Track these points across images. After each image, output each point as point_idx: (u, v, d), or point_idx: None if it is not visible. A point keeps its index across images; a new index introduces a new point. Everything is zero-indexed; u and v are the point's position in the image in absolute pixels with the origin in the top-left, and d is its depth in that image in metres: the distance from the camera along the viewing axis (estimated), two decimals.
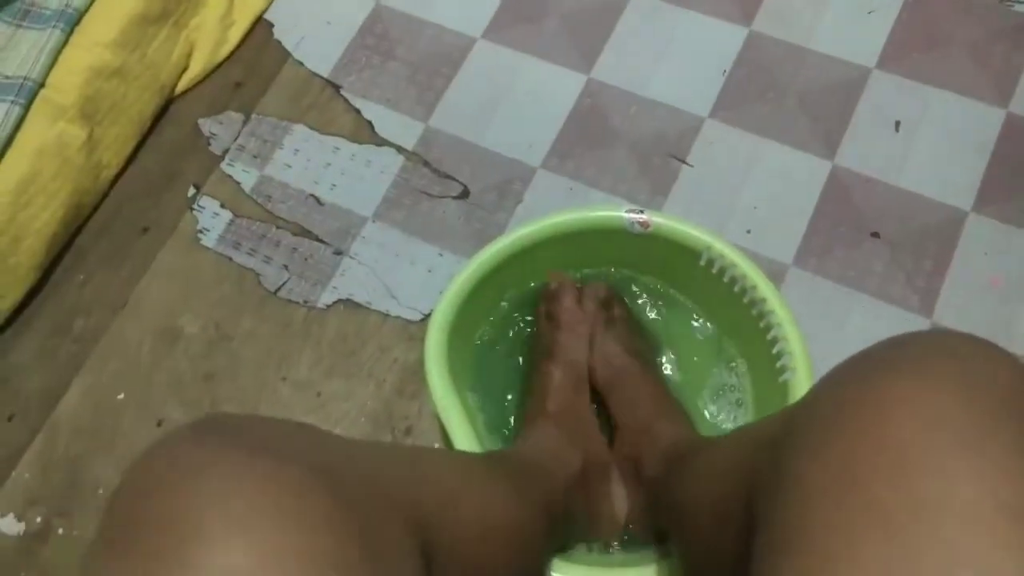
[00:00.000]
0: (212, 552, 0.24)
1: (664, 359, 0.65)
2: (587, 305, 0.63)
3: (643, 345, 0.63)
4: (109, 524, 0.26)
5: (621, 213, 0.60)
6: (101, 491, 0.69)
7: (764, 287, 0.57)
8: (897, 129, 0.75)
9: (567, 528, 0.53)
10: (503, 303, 0.66)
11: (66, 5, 0.73)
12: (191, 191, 0.79)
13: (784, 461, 0.27)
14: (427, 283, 0.73)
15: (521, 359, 0.66)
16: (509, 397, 0.65)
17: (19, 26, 0.74)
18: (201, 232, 0.77)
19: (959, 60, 0.76)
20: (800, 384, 0.54)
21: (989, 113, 0.74)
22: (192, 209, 0.78)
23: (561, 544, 0.54)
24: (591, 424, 0.58)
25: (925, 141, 0.74)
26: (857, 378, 0.27)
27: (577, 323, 0.62)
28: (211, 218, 0.78)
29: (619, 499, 0.56)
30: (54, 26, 0.72)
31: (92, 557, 0.26)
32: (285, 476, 0.26)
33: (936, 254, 0.70)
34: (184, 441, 0.28)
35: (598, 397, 0.61)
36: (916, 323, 0.67)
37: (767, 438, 0.31)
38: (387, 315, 0.73)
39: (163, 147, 0.81)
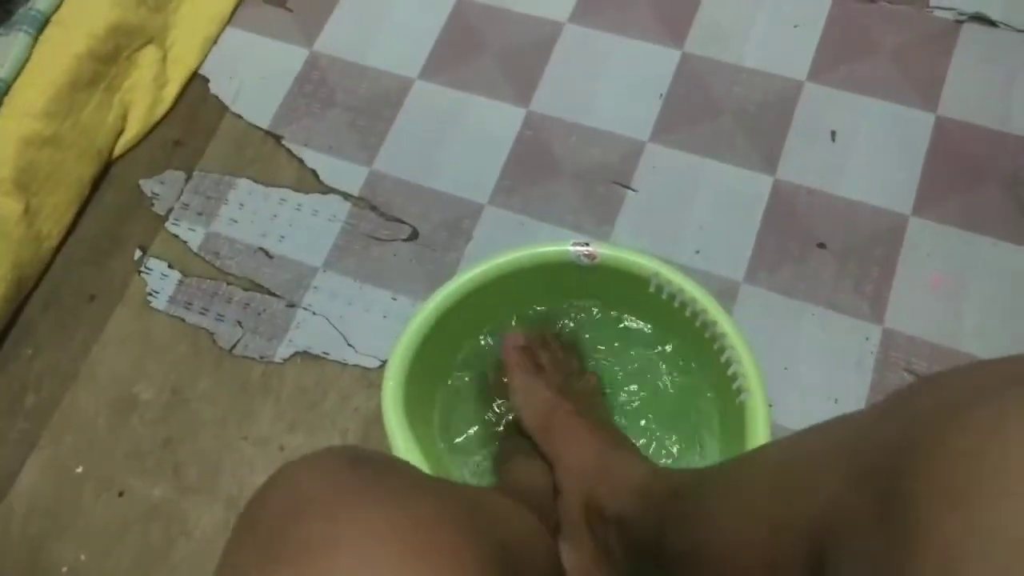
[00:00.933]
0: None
1: (621, 390, 0.65)
2: (507, 358, 0.61)
3: (579, 383, 0.62)
4: (257, 530, 0.27)
5: (567, 247, 0.60)
6: (65, 569, 0.67)
7: (713, 310, 0.58)
8: (833, 139, 0.77)
9: None
10: (464, 350, 0.66)
11: None
12: (137, 254, 0.78)
13: (911, 512, 0.22)
14: (383, 329, 0.73)
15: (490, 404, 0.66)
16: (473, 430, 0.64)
17: None
18: (151, 295, 0.76)
19: (886, 67, 0.78)
20: (756, 405, 0.54)
21: (920, 118, 0.76)
22: (140, 272, 0.77)
23: None
24: (538, 489, 0.55)
25: (861, 149, 0.76)
26: (986, 423, 0.22)
27: (514, 379, 0.60)
28: (160, 280, 0.77)
29: (569, 556, 0.53)
30: None
31: (239, 558, 0.27)
32: (440, 511, 0.27)
33: (881, 260, 0.71)
34: (337, 463, 0.29)
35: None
36: (868, 330, 0.69)
37: (843, 477, 0.26)
38: (345, 364, 0.72)
39: (105, 212, 0.80)
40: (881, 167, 0.75)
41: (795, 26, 0.81)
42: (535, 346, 0.62)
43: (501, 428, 0.65)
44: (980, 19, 0.79)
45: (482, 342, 0.67)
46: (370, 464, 0.29)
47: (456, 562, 0.26)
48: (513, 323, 0.67)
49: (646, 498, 0.47)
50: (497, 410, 0.66)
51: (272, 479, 0.29)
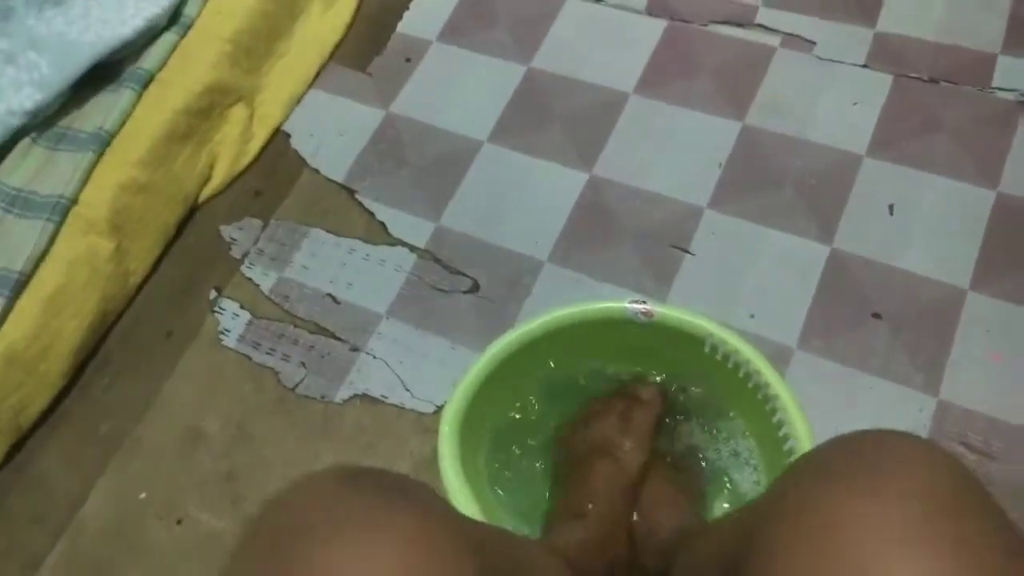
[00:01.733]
0: None
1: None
2: (648, 411, 0.63)
3: (693, 472, 0.65)
4: (255, 559, 0.27)
5: (624, 304, 0.62)
6: None
7: (767, 372, 0.58)
8: (891, 212, 0.78)
9: None
10: (531, 397, 0.68)
11: (99, 128, 0.78)
12: (212, 294, 0.82)
13: (755, 559, 0.31)
14: (440, 376, 0.75)
15: (552, 453, 0.67)
16: (535, 484, 0.66)
17: (55, 149, 0.79)
18: (222, 333, 0.80)
19: (947, 144, 0.80)
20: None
21: (979, 194, 0.77)
22: (213, 311, 0.81)
23: None
24: (623, 529, 0.58)
25: (920, 223, 0.77)
26: (817, 489, 0.30)
27: (641, 425, 0.63)
28: (231, 319, 0.81)
29: None
30: (88, 148, 0.78)
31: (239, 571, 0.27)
32: (429, 535, 0.28)
33: (937, 332, 0.71)
34: (331, 484, 0.29)
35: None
36: (922, 402, 0.68)
37: (743, 531, 0.35)
38: (402, 408, 0.74)
39: (186, 253, 0.85)
40: (939, 241, 0.75)
41: (855, 103, 0.83)
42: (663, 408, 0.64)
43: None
44: None
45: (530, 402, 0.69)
46: (362, 482, 0.29)
47: None
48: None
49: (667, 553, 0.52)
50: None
51: (268, 504, 0.29)
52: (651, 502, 0.59)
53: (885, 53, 0.85)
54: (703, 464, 0.64)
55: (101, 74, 0.83)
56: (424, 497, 0.31)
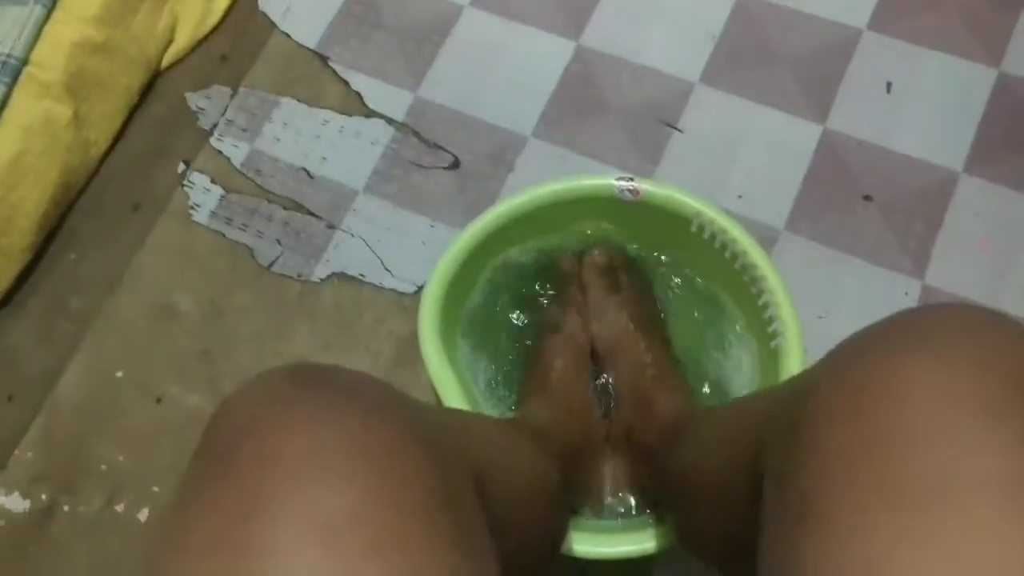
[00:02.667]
0: (307, 494, 0.24)
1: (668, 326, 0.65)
2: (587, 274, 0.63)
3: (647, 311, 0.63)
4: (205, 456, 0.27)
5: (611, 181, 0.60)
6: (104, 467, 0.70)
7: (754, 252, 0.57)
8: (889, 90, 0.75)
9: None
10: (497, 266, 0.66)
11: None
12: (181, 167, 0.79)
13: (802, 432, 0.28)
14: (420, 255, 0.74)
15: (524, 324, 0.66)
16: (510, 358, 0.65)
17: None
18: (192, 208, 0.77)
19: (950, 20, 0.76)
20: (790, 349, 0.54)
21: (980, 73, 0.74)
22: (183, 185, 0.78)
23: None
24: (586, 401, 0.59)
25: (916, 103, 0.74)
26: (876, 354, 0.28)
27: (577, 295, 0.62)
28: (202, 194, 0.78)
29: (610, 470, 0.57)
30: (36, 2, 0.71)
31: (187, 486, 0.27)
32: (380, 427, 0.27)
33: (927, 216, 0.70)
34: (282, 382, 0.29)
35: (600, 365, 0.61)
36: (908, 286, 0.68)
37: (777, 409, 0.32)
38: (381, 287, 0.73)
39: (151, 123, 0.81)
40: (936, 122, 0.73)
41: None
42: (615, 266, 0.63)
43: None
44: None
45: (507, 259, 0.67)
46: (312, 379, 0.29)
47: (403, 479, 0.26)
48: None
49: (672, 435, 0.51)
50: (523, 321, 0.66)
51: (221, 403, 0.29)
52: (627, 371, 0.59)
53: None
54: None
55: None
56: (378, 392, 0.30)
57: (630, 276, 0.64)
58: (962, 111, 0.73)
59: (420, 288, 0.72)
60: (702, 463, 0.43)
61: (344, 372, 0.31)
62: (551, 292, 0.64)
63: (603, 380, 0.60)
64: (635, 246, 0.66)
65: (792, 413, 0.29)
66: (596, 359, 0.61)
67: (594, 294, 0.62)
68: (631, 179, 0.60)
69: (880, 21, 0.77)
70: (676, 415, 0.53)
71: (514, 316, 0.66)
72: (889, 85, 0.75)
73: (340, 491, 0.25)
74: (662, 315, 0.64)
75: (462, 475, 0.31)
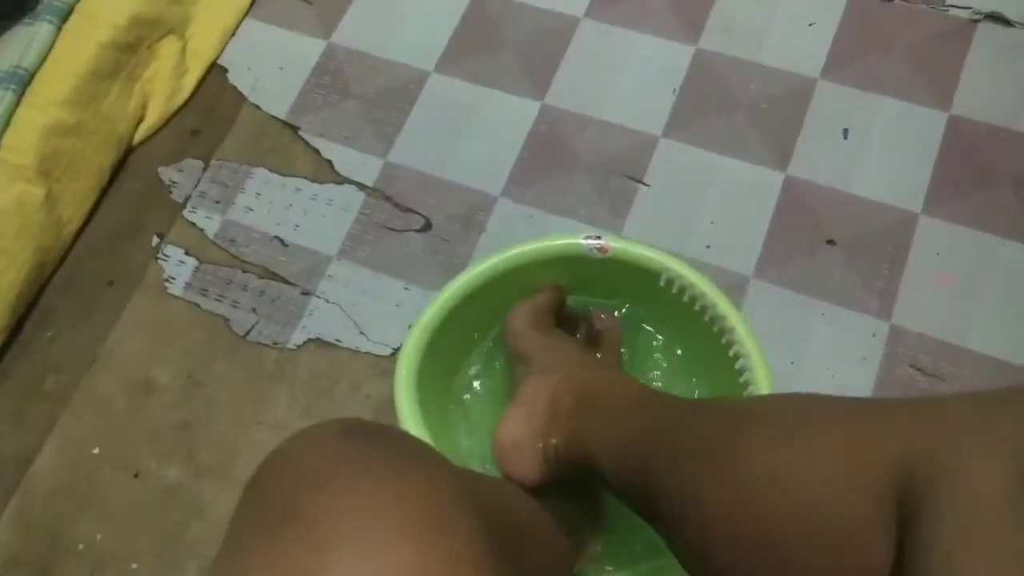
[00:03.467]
0: (370, 551, 0.25)
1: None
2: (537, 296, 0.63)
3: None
4: (262, 506, 0.27)
5: (579, 240, 0.61)
6: (81, 547, 0.69)
7: (723, 304, 0.58)
8: (846, 136, 0.77)
9: None
10: (488, 343, 0.67)
11: (16, 66, 0.73)
12: (155, 240, 0.79)
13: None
14: (395, 318, 0.74)
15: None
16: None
17: None
18: (167, 281, 0.78)
19: (900, 66, 0.79)
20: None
21: (933, 116, 0.76)
22: (157, 258, 0.78)
23: None
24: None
25: (874, 147, 0.76)
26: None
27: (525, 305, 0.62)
28: (176, 266, 0.78)
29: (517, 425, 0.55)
30: (6, 88, 0.73)
31: (244, 536, 0.27)
32: (430, 482, 0.28)
33: (891, 257, 0.72)
34: (337, 436, 0.29)
35: None
36: (876, 326, 0.69)
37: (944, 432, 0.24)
38: (357, 352, 0.73)
39: (124, 198, 0.81)
40: (893, 165, 0.75)
41: (810, 24, 0.81)
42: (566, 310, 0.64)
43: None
44: (996, 18, 0.79)
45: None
46: (366, 435, 0.30)
47: (456, 534, 0.27)
48: None
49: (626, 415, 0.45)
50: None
51: (271, 455, 0.29)
52: None
53: None
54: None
55: (14, 7, 0.77)
56: (423, 449, 0.31)
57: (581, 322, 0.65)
58: (917, 153, 0.75)
59: (396, 351, 0.73)
60: (772, 492, 0.29)
61: (392, 429, 0.32)
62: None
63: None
64: (606, 303, 0.67)
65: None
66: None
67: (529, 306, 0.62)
68: (599, 237, 0.61)
69: (833, 70, 0.79)
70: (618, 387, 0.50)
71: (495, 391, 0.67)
72: (846, 132, 0.77)
73: (400, 546, 0.25)
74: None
75: (498, 526, 0.32)
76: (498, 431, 0.55)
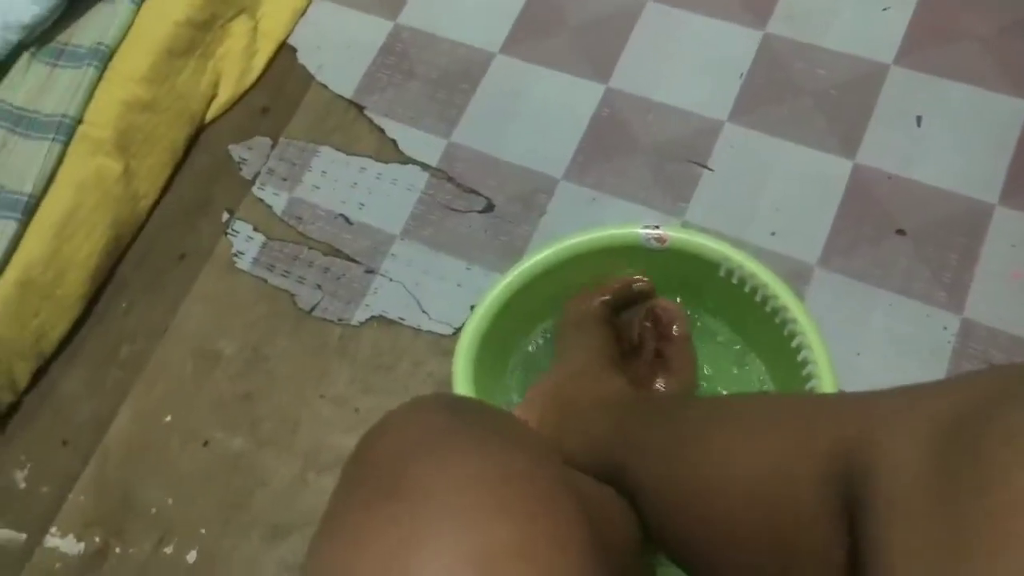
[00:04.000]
0: (465, 526, 0.25)
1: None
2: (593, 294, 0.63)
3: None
4: (364, 477, 0.27)
5: (637, 230, 0.61)
6: (154, 510, 0.72)
7: (784, 295, 0.58)
8: (919, 124, 0.75)
9: None
10: (544, 329, 0.68)
11: (98, 43, 0.76)
12: (225, 216, 0.81)
13: (981, 464, 0.21)
14: (457, 297, 0.75)
15: None
16: None
17: (55, 65, 0.77)
18: (236, 256, 0.80)
19: (977, 54, 0.76)
20: (825, 391, 0.54)
21: (1010, 105, 0.74)
22: (227, 234, 0.81)
23: None
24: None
25: (947, 135, 0.74)
26: None
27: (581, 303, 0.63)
28: (245, 242, 0.80)
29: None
30: (88, 64, 0.75)
31: (347, 506, 0.27)
32: (542, 465, 0.28)
33: (962, 248, 0.70)
34: (439, 410, 0.29)
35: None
36: (946, 320, 0.68)
37: (897, 416, 0.25)
38: (419, 330, 0.75)
39: (196, 174, 0.84)
40: (967, 154, 0.73)
41: (884, 9, 0.79)
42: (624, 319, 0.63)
43: None
44: None
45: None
46: (472, 411, 0.30)
47: (562, 515, 0.26)
48: None
49: (607, 411, 0.47)
50: None
51: (374, 428, 0.29)
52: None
53: None
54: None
55: None
56: (533, 435, 0.31)
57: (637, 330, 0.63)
58: (993, 142, 0.73)
59: (458, 330, 0.74)
60: (723, 478, 0.32)
61: (496, 409, 0.32)
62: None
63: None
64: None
65: (949, 436, 0.22)
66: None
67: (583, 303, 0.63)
68: (657, 227, 0.61)
69: (906, 55, 0.77)
70: (612, 392, 0.51)
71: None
72: (919, 119, 0.75)
73: (504, 524, 0.25)
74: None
75: (595, 511, 0.31)
76: None
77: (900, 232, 0.71)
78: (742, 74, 0.79)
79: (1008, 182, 0.71)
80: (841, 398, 0.30)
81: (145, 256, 0.81)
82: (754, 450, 0.31)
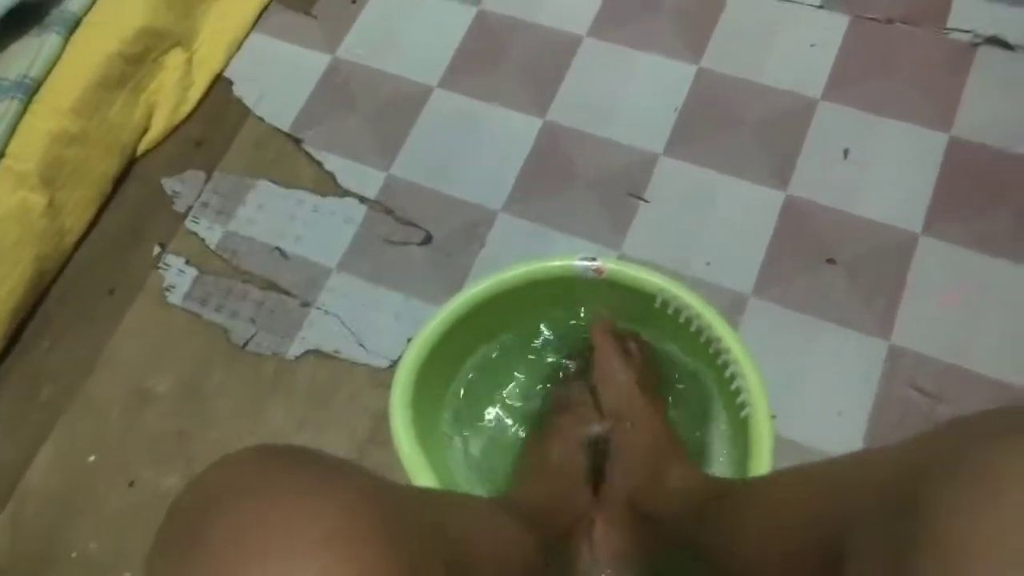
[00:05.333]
0: (273, 569, 0.25)
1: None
2: (596, 336, 0.63)
3: (654, 379, 0.64)
4: (172, 529, 0.28)
5: (575, 262, 0.61)
6: (74, 554, 0.68)
7: (718, 325, 0.58)
8: (846, 156, 0.77)
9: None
10: (493, 354, 0.67)
11: (23, 76, 0.74)
12: (156, 249, 0.80)
13: (922, 522, 0.25)
14: (394, 330, 0.74)
15: (520, 399, 0.67)
16: (503, 431, 0.66)
17: None
18: (167, 290, 0.78)
19: (902, 87, 0.79)
20: (758, 419, 0.55)
21: (933, 137, 0.76)
22: (158, 267, 0.79)
23: None
24: (580, 486, 0.58)
25: (875, 167, 0.76)
26: (1007, 440, 0.25)
27: (581, 360, 0.63)
28: (177, 275, 0.78)
29: (607, 544, 0.56)
30: (12, 96, 0.73)
31: (157, 561, 0.27)
32: (342, 500, 0.27)
33: (891, 277, 0.72)
34: (246, 459, 0.29)
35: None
36: (876, 346, 0.69)
37: (866, 492, 0.29)
38: (356, 363, 0.73)
39: (127, 208, 0.82)
40: (893, 185, 0.75)
41: (812, 45, 0.82)
42: (623, 335, 0.64)
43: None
44: (996, 42, 0.79)
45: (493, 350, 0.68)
46: (280, 456, 0.29)
47: (368, 549, 0.26)
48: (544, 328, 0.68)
49: (689, 498, 0.51)
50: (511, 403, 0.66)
51: (186, 486, 0.29)
52: (632, 440, 0.58)
53: None
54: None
55: (22, 18, 0.78)
56: (342, 467, 0.31)
57: (638, 344, 0.64)
58: (918, 174, 0.75)
59: (395, 363, 0.73)
60: (763, 542, 0.39)
61: (309, 450, 0.31)
62: (553, 363, 0.66)
63: (601, 440, 0.60)
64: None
65: (899, 500, 0.26)
66: (600, 417, 0.61)
67: (603, 355, 0.62)
68: (594, 259, 0.61)
69: (834, 90, 0.79)
70: (687, 481, 0.52)
71: (507, 392, 0.67)
72: (846, 151, 0.77)
73: (304, 562, 0.25)
74: (668, 388, 0.65)
75: (432, 556, 0.31)
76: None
77: (831, 261, 0.73)
78: (676, 108, 0.81)
79: (931, 212, 0.74)
80: (832, 477, 0.35)
81: (71, 291, 0.78)
82: (773, 527, 0.38)
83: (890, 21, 0.82)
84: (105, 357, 0.76)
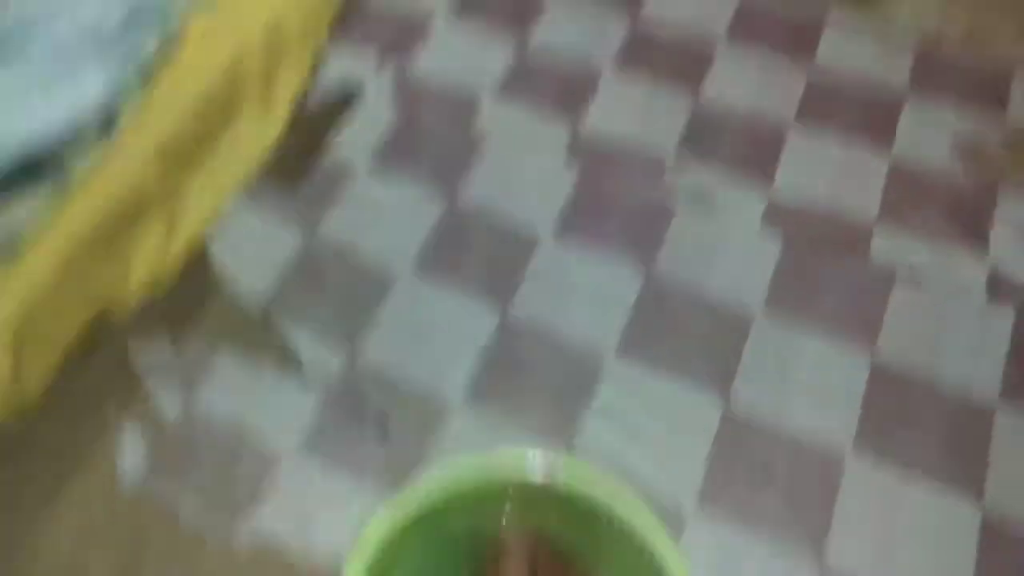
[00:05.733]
0: None
1: None
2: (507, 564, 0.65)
3: None
4: None
5: (523, 462, 0.64)
6: None
7: (658, 540, 0.60)
8: (781, 372, 0.83)
9: None
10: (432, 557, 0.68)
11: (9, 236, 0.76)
12: (112, 418, 0.80)
13: None
14: (344, 518, 0.75)
15: None
16: None
17: None
18: (118, 463, 0.78)
19: (832, 308, 0.86)
20: None
21: (859, 362, 0.83)
22: (112, 438, 0.79)
23: None
24: None
25: (806, 384, 0.82)
26: None
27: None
28: (130, 449, 0.79)
29: None
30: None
31: None
32: None
33: (821, 497, 0.76)
34: None
35: None
36: (811, 565, 0.72)
37: None
38: (305, 550, 0.73)
39: (87, 373, 0.83)
40: (823, 405, 0.81)
41: (750, 260, 0.89)
42: (536, 558, 0.64)
43: None
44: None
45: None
46: None
47: None
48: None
49: None
50: None
51: None
52: None
53: (778, 214, 0.92)
54: None
55: (15, 176, 0.81)
56: None
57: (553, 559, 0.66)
58: (844, 396, 0.81)
59: (343, 557, 0.73)
60: None
61: None
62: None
63: None
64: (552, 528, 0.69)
65: None
66: None
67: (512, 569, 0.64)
68: (543, 460, 0.64)
69: (772, 305, 0.86)
70: None
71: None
72: (782, 366, 0.83)
73: None
74: None
75: None
76: None
77: (768, 477, 0.77)
78: (628, 310, 0.86)
79: (859, 434, 0.79)
80: None
81: (15, 458, 0.78)
82: None
83: (818, 247, 0.90)
84: (43, 533, 0.74)
